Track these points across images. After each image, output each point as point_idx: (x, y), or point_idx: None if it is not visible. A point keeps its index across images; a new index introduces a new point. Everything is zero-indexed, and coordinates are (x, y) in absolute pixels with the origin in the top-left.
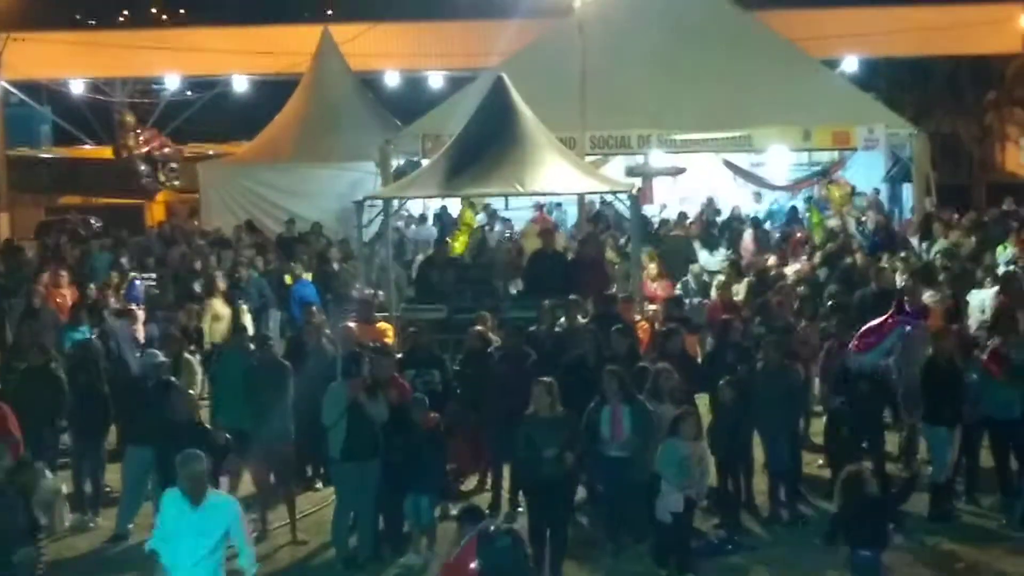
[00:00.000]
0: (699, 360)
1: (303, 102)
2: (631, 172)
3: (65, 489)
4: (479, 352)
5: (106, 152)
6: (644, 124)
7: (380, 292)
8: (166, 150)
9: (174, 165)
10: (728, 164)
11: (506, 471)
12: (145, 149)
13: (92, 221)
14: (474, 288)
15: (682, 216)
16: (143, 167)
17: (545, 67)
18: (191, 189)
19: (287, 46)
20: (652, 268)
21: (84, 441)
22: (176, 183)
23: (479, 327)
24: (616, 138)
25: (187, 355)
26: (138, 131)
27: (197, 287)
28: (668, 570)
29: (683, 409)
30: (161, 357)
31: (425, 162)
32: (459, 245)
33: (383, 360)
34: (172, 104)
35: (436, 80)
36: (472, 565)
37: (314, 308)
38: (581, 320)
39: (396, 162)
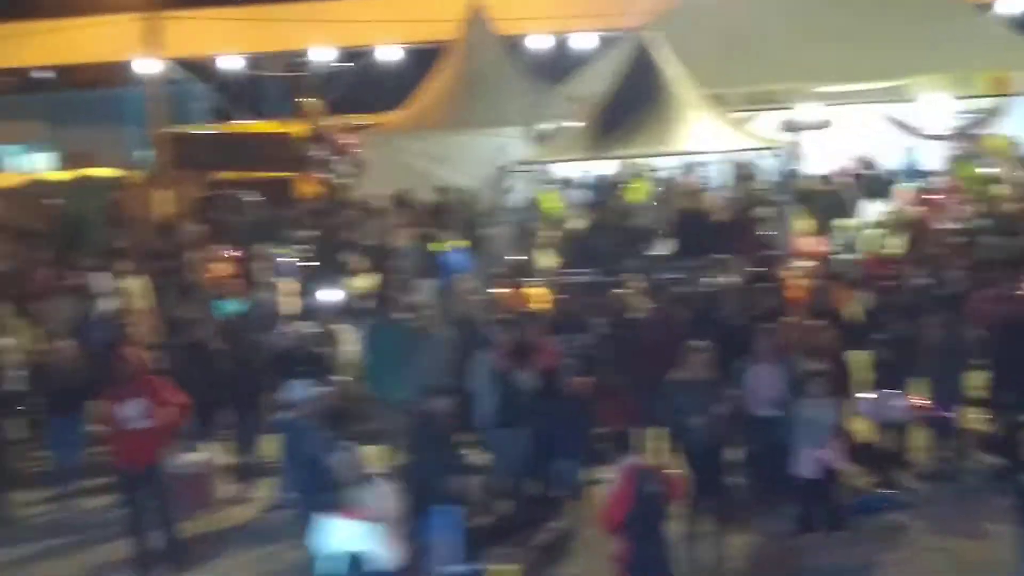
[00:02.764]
0: (855, 316)
1: (451, 68)
2: (784, 127)
3: (222, 461)
4: (626, 315)
5: (262, 127)
6: (794, 77)
7: (530, 257)
8: (341, 141)
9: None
10: (887, 117)
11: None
12: (327, 136)
13: (248, 195)
14: (626, 251)
15: (836, 171)
16: (320, 154)
17: (692, 24)
18: None
19: (435, 13)
20: (805, 224)
21: (240, 413)
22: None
23: (624, 290)
24: (765, 92)
25: (337, 326)
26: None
27: (347, 258)
28: (814, 531)
29: (812, 368)
30: (307, 328)
31: (572, 125)
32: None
33: (531, 326)
34: (323, 76)
35: (584, 41)
36: (626, 494)
37: (464, 276)
38: (731, 280)
39: (544, 126)
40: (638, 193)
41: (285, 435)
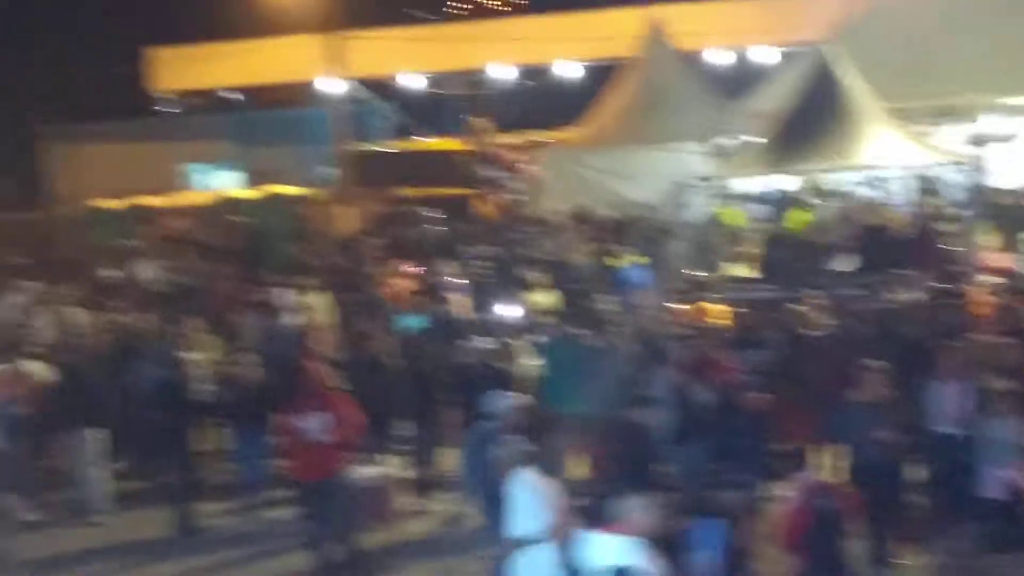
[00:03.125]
0: None
1: (630, 84)
2: (969, 140)
3: (402, 475)
4: (805, 331)
5: (442, 144)
6: (979, 89)
7: (708, 273)
8: (510, 159)
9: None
10: None
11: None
12: (496, 154)
13: (429, 211)
14: (807, 266)
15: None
16: (489, 172)
17: (874, 37)
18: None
19: (614, 29)
20: (991, 240)
21: (418, 427)
22: (521, 196)
23: (803, 306)
24: (950, 105)
25: (514, 341)
26: (491, 137)
27: (525, 273)
28: (999, 552)
29: (998, 386)
30: (485, 344)
31: (754, 140)
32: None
33: (710, 342)
34: (502, 93)
35: (764, 56)
36: (802, 511)
37: (641, 291)
38: (915, 296)
39: (724, 141)
40: (803, 217)
41: (481, 446)
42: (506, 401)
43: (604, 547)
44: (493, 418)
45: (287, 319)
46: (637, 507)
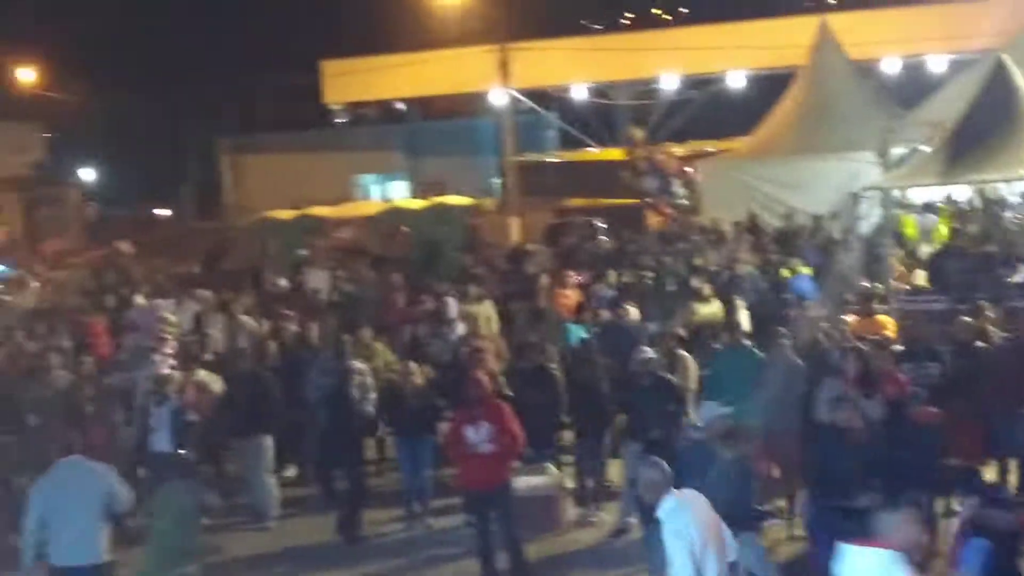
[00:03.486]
0: None
1: (800, 94)
2: None
3: (568, 485)
4: (978, 343)
5: (609, 154)
6: None
7: (880, 284)
8: (675, 167)
9: (682, 190)
10: None
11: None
12: (661, 164)
13: (596, 222)
14: (980, 277)
15: None
16: (652, 182)
17: None
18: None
19: (784, 39)
20: None
21: (584, 437)
22: (685, 202)
23: (976, 317)
24: None
25: (681, 352)
26: (646, 147)
27: (692, 283)
28: None
29: None
30: (651, 354)
31: (926, 149)
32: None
33: (879, 354)
34: (672, 103)
35: (938, 64)
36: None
37: (809, 301)
38: None
39: (897, 150)
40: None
41: (690, 457)
42: (712, 410)
43: (866, 562)
44: (698, 429)
45: (455, 328)
46: (899, 521)
